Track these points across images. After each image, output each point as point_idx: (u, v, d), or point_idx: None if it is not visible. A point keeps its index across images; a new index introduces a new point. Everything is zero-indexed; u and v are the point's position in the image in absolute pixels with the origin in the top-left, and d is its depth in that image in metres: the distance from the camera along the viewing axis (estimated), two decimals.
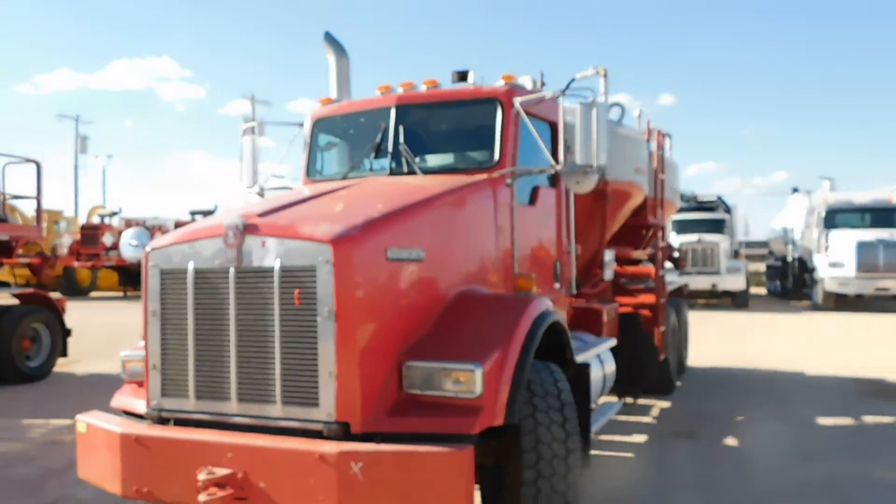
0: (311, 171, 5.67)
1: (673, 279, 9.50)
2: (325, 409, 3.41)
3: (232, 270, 3.60)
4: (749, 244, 30.51)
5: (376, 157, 5.24)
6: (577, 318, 6.50)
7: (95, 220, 32.42)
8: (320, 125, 5.72)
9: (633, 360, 7.73)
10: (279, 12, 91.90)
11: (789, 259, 24.67)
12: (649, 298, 8.01)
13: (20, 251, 11.72)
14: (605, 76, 6.49)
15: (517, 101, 5.00)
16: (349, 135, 5.65)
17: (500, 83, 5.23)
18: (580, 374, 4.73)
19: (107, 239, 29.59)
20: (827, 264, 19.23)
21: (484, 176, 4.79)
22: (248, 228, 3.61)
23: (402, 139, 5.15)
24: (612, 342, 6.19)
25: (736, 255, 22.26)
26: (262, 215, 3.74)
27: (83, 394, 8.65)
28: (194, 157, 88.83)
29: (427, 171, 5.07)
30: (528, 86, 7.26)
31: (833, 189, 23.99)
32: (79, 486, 5.00)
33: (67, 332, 10.77)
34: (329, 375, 3.39)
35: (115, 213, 32.64)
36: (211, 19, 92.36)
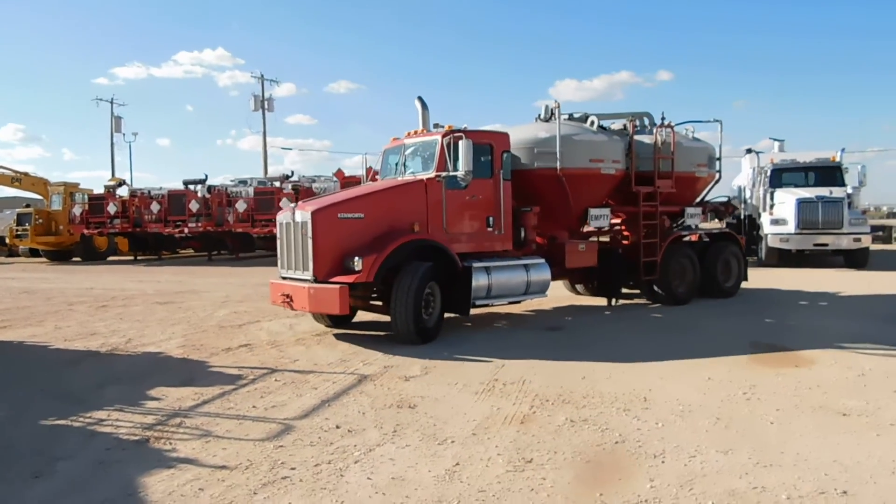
0: (382, 174, 11.50)
1: (691, 227, 12.97)
2: (310, 272, 9.40)
3: (292, 224, 9.77)
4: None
5: (396, 168, 10.92)
6: (547, 249, 11.33)
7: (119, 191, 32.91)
8: (386, 152, 11.52)
9: (606, 277, 12.02)
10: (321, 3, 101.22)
11: (742, 217, 24.44)
12: (630, 239, 12.08)
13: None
14: (558, 107, 11.36)
15: (444, 139, 10.13)
16: (393, 156, 11.33)
17: (443, 129, 10.38)
18: (466, 272, 9.88)
19: (111, 208, 30.19)
20: (769, 221, 19.58)
21: (423, 177, 10.12)
22: (297, 207, 9.75)
23: (406, 160, 10.74)
24: (538, 259, 10.79)
25: None
26: (303, 202, 9.87)
27: None
28: (245, 134, 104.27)
29: (411, 174, 10.57)
30: (543, 114, 12.36)
31: (783, 150, 23.53)
32: None
33: None
34: (310, 259, 9.36)
35: (121, 184, 33.93)
36: (259, 12, 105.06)
